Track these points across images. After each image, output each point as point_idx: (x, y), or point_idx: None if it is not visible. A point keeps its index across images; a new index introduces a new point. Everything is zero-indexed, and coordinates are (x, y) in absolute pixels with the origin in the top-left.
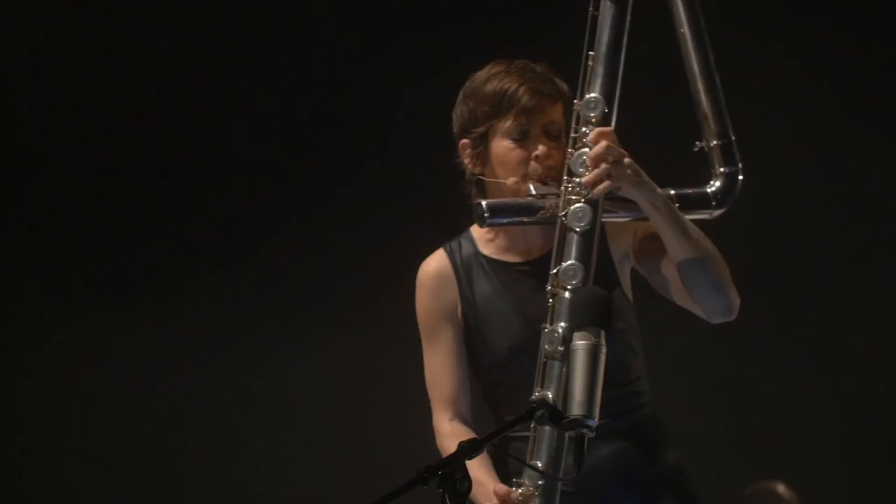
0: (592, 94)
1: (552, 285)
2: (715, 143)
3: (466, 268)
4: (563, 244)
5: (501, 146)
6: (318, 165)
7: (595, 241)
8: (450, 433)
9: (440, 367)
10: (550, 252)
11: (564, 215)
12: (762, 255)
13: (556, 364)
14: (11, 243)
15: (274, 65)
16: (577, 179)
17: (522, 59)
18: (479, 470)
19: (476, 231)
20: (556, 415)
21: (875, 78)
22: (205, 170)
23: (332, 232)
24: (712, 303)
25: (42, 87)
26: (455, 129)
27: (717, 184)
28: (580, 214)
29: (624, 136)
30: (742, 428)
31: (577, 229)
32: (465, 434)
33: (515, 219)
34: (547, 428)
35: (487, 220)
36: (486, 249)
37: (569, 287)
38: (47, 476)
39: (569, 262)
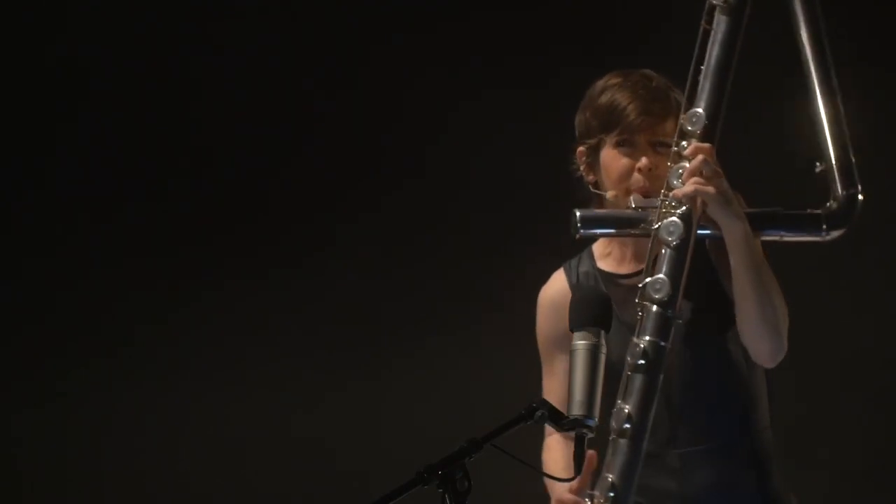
0: (695, 109)
1: (639, 299)
2: (835, 164)
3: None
4: (655, 258)
5: (609, 157)
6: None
7: (687, 257)
8: (546, 447)
9: (552, 391)
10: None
11: (657, 229)
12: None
13: (639, 377)
14: None
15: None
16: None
17: (640, 71)
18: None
19: (596, 246)
20: (555, 415)
21: None
22: (205, 178)
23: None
24: (753, 348)
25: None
26: (576, 136)
27: (835, 205)
28: (671, 229)
29: (735, 156)
30: None
31: (669, 243)
32: (556, 448)
33: (609, 230)
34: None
35: (580, 231)
36: (603, 264)
37: (656, 301)
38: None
39: (657, 276)
